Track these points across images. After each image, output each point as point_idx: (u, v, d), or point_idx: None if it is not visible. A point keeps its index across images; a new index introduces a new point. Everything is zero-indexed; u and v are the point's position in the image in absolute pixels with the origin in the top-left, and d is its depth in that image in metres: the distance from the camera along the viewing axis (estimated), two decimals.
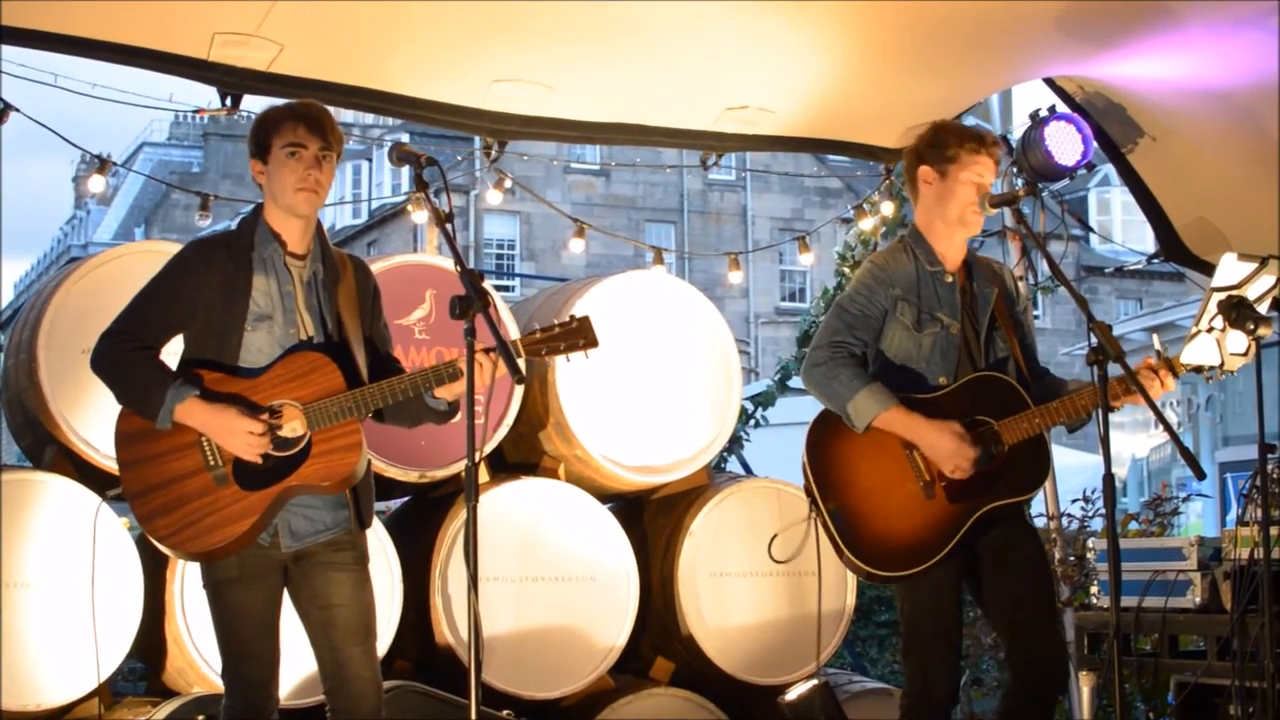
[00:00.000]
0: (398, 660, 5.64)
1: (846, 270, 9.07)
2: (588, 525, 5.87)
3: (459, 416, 3.93)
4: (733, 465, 8.83)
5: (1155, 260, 7.36)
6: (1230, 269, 4.37)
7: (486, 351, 3.74)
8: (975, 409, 4.23)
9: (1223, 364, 4.28)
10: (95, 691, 5.19)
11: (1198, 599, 5.24)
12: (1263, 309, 4.34)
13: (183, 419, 3.73)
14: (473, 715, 3.51)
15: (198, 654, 5.21)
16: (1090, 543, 6.58)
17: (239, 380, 3.81)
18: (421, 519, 6.06)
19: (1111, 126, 6.54)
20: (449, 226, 3.72)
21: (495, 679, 5.51)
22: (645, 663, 6.15)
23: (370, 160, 34.72)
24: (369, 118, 30.66)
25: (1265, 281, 4.37)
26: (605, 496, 6.11)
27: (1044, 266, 6.61)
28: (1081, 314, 3.96)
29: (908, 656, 4.38)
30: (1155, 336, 4.51)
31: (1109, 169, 8.48)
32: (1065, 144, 6.48)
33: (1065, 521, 7.07)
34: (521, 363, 3.73)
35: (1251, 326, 4.25)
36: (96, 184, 6.43)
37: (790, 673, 6.02)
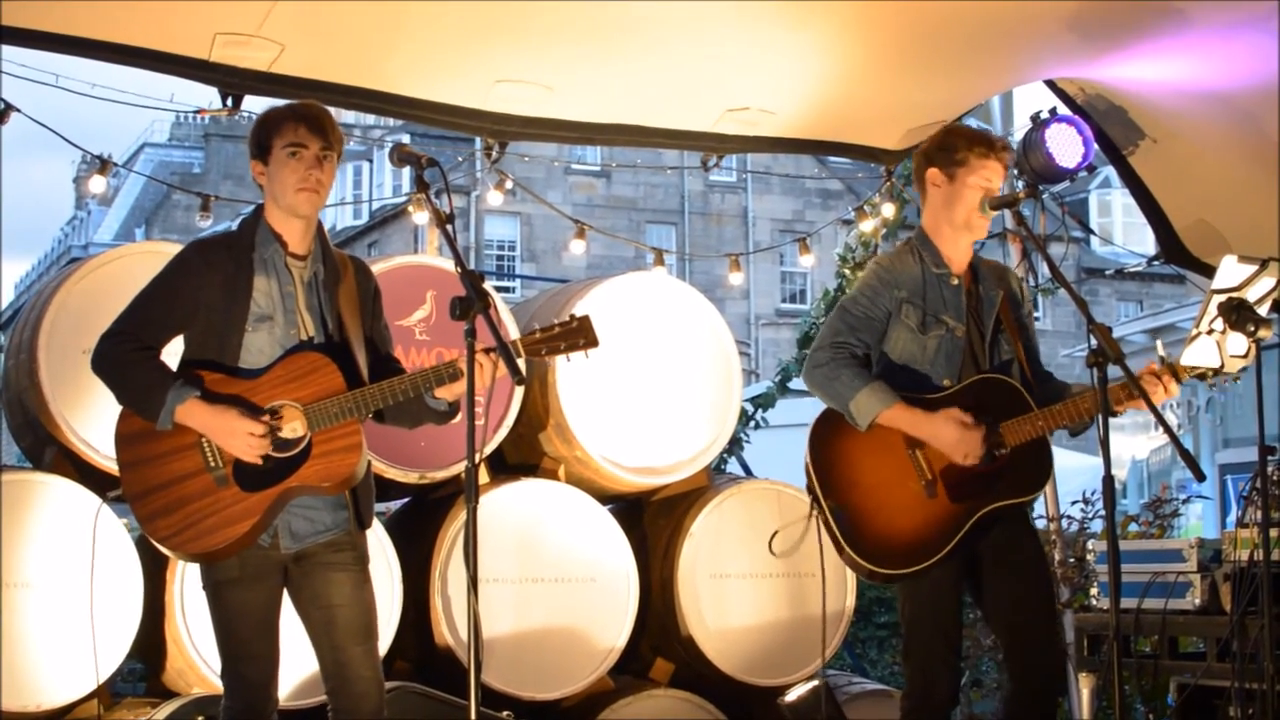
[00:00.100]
0: (397, 661, 5.64)
1: (847, 272, 9.07)
2: (588, 526, 5.87)
3: (459, 417, 3.93)
4: (733, 467, 8.83)
5: (1156, 262, 7.36)
6: (1230, 271, 4.38)
7: (487, 352, 3.74)
8: (978, 411, 4.23)
9: (1223, 366, 4.28)
10: (95, 692, 5.19)
11: (1197, 601, 5.24)
12: (1263, 311, 4.34)
13: (183, 420, 3.73)
14: (472, 716, 3.51)
15: (197, 655, 5.21)
16: (1090, 544, 6.59)
17: (239, 381, 3.81)
18: (421, 520, 6.06)
19: (1112, 128, 6.54)
20: (450, 227, 3.72)
21: (495, 680, 5.51)
22: (645, 664, 6.14)
23: (371, 161, 34.71)
24: (370, 118, 30.63)
25: (1265, 283, 4.38)
26: (605, 498, 6.11)
27: (1044, 268, 6.61)
28: (1082, 316, 3.96)
29: (908, 657, 4.39)
30: (1159, 343, 4.52)
31: (1110, 171, 8.46)
32: (1066, 146, 6.48)
33: (1065, 523, 7.07)
34: (522, 363, 3.73)
35: (1252, 328, 4.25)
36: (97, 184, 6.43)
37: (790, 674, 6.03)
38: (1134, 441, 19.28)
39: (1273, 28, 5.22)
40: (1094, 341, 3.93)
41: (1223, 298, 4.32)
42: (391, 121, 28.00)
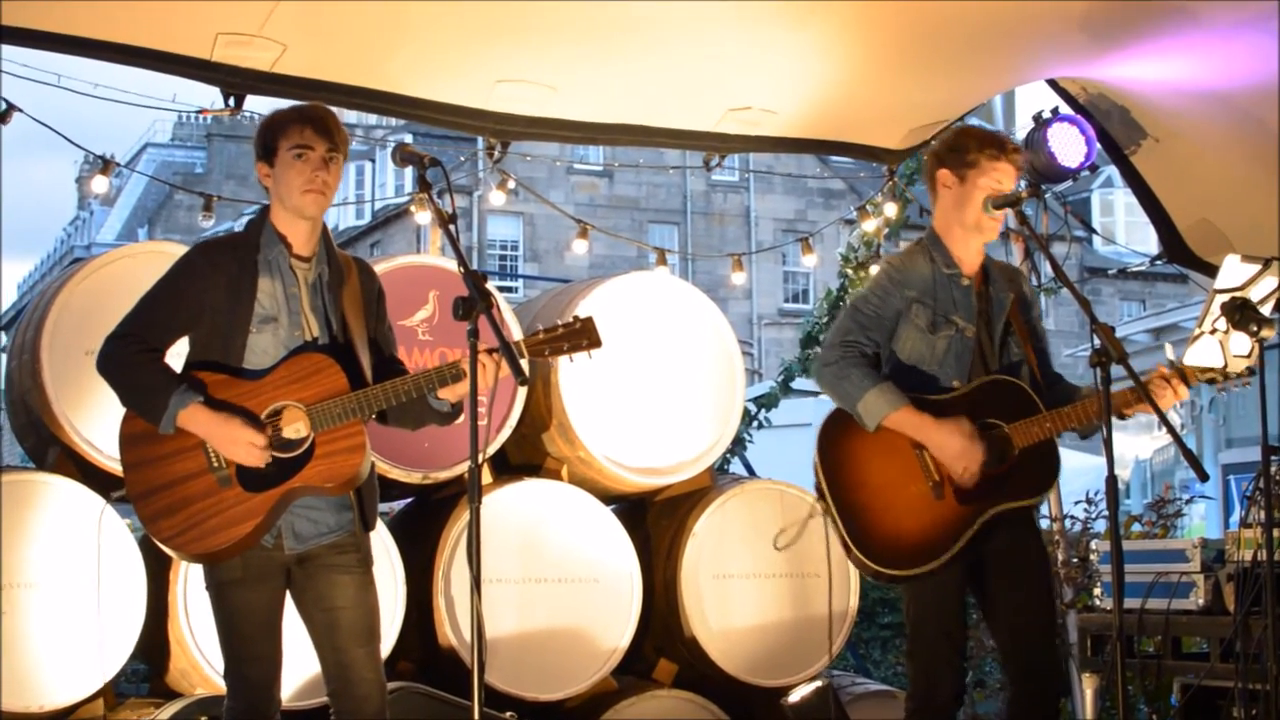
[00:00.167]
0: (401, 661, 5.64)
1: (850, 272, 9.07)
2: (591, 527, 5.87)
3: (462, 418, 3.93)
4: (736, 467, 8.83)
5: (1158, 262, 7.36)
6: (1233, 270, 4.38)
7: (490, 352, 3.73)
8: (986, 412, 4.23)
9: (1226, 366, 4.28)
10: (99, 693, 5.20)
11: (1201, 601, 5.24)
12: (1266, 310, 4.34)
13: (185, 425, 3.74)
14: (476, 717, 3.51)
15: (200, 655, 5.21)
16: (1093, 544, 6.58)
17: (243, 382, 3.81)
18: (424, 520, 6.06)
19: (1114, 128, 6.54)
20: (452, 227, 3.72)
21: (498, 680, 5.51)
22: (648, 664, 6.14)
23: (373, 161, 34.71)
24: (372, 118, 30.67)
25: (1268, 283, 4.38)
26: (608, 498, 6.11)
27: (1047, 268, 6.60)
28: (1084, 315, 3.96)
29: (912, 658, 4.39)
30: (1169, 345, 4.52)
31: (1112, 170, 8.48)
32: (1068, 145, 6.48)
33: (1068, 523, 7.07)
34: (525, 364, 3.73)
35: (1254, 328, 4.25)
36: (100, 184, 6.43)
37: (793, 674, 6.03)
38: (1137, 441, 19.25)
39: (1274, 27, 5.22)
40: (1097, 341, 3.93)
41: (1225, 297, 4.32)
42: (394, 121, 28.01)
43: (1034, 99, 6.77)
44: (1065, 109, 6.54)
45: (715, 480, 6.35)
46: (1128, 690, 4.23)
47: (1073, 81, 6.45)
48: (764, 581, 6.07)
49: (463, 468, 5.66)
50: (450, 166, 3.85)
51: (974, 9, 5.43)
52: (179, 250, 4.40)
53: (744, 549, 6.06)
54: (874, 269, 8.40)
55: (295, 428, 3.78)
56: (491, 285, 3.73)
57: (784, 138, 6.64)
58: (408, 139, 25.28)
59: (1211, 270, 5.73)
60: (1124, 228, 30.48)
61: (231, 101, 5.66)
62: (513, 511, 5.74)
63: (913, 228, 9.21)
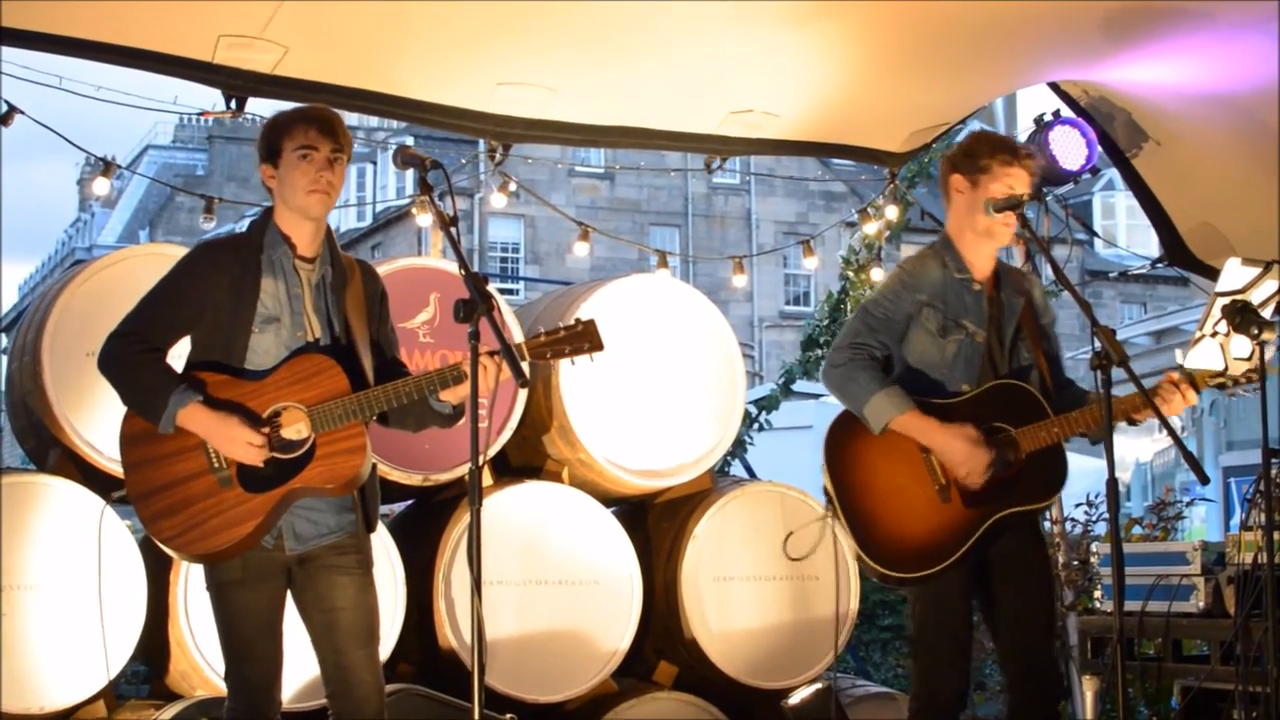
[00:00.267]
0: (401, 663, 5.64)
1: (851, 274, 9.08)
2: (591, 529, 5.87)
3: (463, 420, 3.93)
4: (736, 469, 8.83)
5: (1159, 265, 7.35)
6: (1234, 273, 4.38)
7: (491, 355, 3.74)
8: (994, 416, 4.24)
9: (1227, 369, 4.28)
10: (99, 694, 5.20)
11: (1201, 603, 5.23)
12: (1267, 314, 4.34)
13: (185, 424, 3.74)
14: (476, 719, 3.51)
15: (201, 657, 5.21)
16: (1094, 547, 6.58)
17: (245, 383, 3.81)
18: (425, 522, 6.06)
19: (1116, 131, 6.54)
20: (453, 230, 3.73)
21: (498, 682, 5.50)
22: (649, 666, 6.14)
23: (375, 163, 34.73)
24: (374, 120, 30.62)
25: (1269, 286, 4.38)
26: (609, 500, 6.11)
27: (1048, 271, 6.61)
28: (1085, 318, 3.96)
29: (916, 659, 4.40)
30: (1179, 352, 4.53)
31: (1113, 173, 8.46)
32: (1070, 148, 6.48)
33: (1069, 525, 7.07)
34: (526, 366, 3.73)
35: (1255, 331, 4.25)
36: (101, 186, 6.43)
37: (793, 677, 6.03)
38: (1138, 444, 19.25)
39: (1274, 30, 5.22)
40: (1098, 344, 3.93)
41: (1226, 300, 4.32)
42: (395, 124, 28.01)
43: (1035, 102, 6.78)
44: (1066, 112, 6.54)
45: (716, 482, 6.35)
46: (1128, 693, 4.22)
47: (1074, 84, 6.46)
48: (764, 584, 6.07)
49: (463, 470, 5.64)
50: (451, 169, 3.86)
51: (975, 11, 5.43)
52: (180, 252, 4.39)
53: (744, 551, 6.06)
54: (875, 272, 8.43)
55: (296, 428, 3.79)
56: (493, 287, 3.73)
57: (785, 140, 6.64)
58: (409, 141, 25.27)
59: (1213, 273, 5.74)
60: (1125, 230, 30.48)
61: (233, 104, 5.67)
62: (513, 513, 5.74)
63: (913, 230, 9.24)
